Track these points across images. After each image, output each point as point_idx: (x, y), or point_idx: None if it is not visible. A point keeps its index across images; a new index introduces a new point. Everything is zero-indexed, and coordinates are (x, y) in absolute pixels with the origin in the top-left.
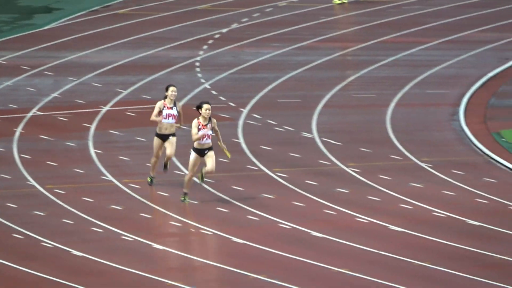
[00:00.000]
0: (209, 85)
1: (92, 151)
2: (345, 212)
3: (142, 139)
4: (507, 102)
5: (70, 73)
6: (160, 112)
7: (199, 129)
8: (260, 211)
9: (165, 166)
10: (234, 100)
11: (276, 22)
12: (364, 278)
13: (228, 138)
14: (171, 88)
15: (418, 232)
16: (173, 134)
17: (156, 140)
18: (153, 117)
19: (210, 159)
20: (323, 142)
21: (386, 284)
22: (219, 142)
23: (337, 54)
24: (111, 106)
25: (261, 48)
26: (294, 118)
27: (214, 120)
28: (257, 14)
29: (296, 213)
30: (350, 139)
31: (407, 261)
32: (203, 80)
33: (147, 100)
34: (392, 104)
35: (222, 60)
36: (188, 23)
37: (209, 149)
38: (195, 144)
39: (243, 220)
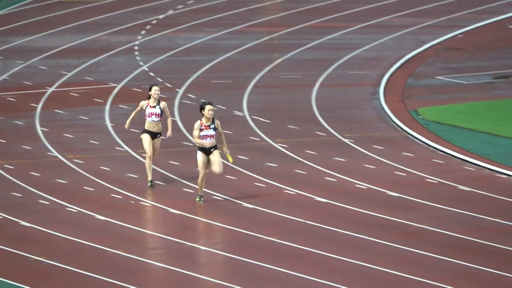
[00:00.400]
0: (147, 67)
1: (38, 129)
2: (274, 184)
3: (85, 118)
4: (423, 82)
5: (18, 56)
6: (144, 111)
7: (201, 130)
8: (195, 184)
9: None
10: (171, 81)
11: (209, 8)
12: (292, 246)
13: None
14: (154, 88)
15: (341, 203)
16: (159, 134)
17: (146, 137)
18: (132, 113)
19: (216, 161)
20: (253, 120)
21: (312, 251)
22: (223, 147)
23: (265, 38)
24: (56, 87)
25: (195, 33)
26: (226, 98)
27: (217, 121)
28: (191, 1)
29: (229, 186)
30: (278, 117)
31: (332, 229)
32: (141, 63)
33: (90, 81)
34: (317, 85)
35: (159, 44)
36: (127, 9)
37: (214, 147)
38: (198, 144)
39: (179, 192)
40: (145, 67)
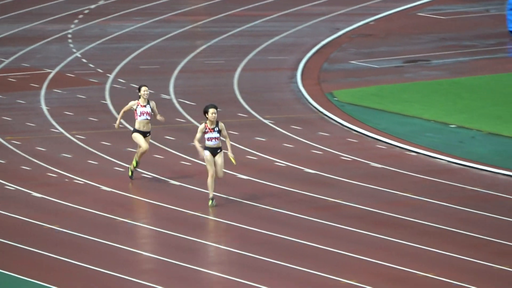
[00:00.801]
0: (80, 54)
1: None
2: (197, 162)
3: (22, 102)
4: (338, 66)
5: None
6: (135, 112)
7: (205, 132)
8: (125, 163)
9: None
10: (102, 67)
11: None
12: (217, 220)
13: (97, 100)
14: (143, 88)
15: (262, 180)
16: (149, 132)
17: (138, 135)
18: (121, 112)
19: (219, 164)
20: (179, 102)
21: (235, 225)
22: (228, 152)
23: (190, 26)
24: None
25: (125, 21)
26: (154, 82)
27: (222, 124)
28: None
29: (157, 164)
30: (202, 100)
31: (254, 204)
32: (74, 50)
33: (26, 67)
34: (239, 69)
35: (91, 32)
36: (61, 0)
37: (219, 149)
38: (206, 144)
39: (110, 171)
40: (78, 54)
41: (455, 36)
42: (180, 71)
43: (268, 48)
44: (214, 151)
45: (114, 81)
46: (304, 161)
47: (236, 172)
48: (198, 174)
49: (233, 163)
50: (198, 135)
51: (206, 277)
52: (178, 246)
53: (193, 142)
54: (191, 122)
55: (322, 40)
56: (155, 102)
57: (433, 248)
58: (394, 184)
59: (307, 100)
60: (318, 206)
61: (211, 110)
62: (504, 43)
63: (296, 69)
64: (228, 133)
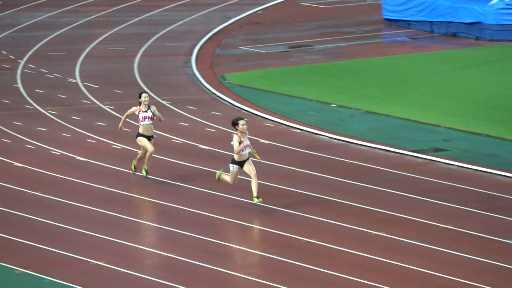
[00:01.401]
0: None
1: None
2: (103, 140)
3: None
4: (229, 51)
5: None
6: (137, 117)
7: (240, 142)
8: (35, 141)
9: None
10: (14, 53)
11: None
12: (121, 193)
13: (9, 84)
14: (144, 95)
15: (161, 156)
16: (152, 136)
17: (142, 139)
18: (124, 116)
19: (250, 167)
20: (84, 85)
21: (131, 195)
22: (250, 148)
23: (94, 16)
24: None
25: (35, 12)
26: (61, 67)
27: (247, 132)
28: None
29: (64, 142)
30: (106, 83)
31: (153, 178)
32: None
33: None
34: (138, 55)
35: (3, 22)
36: None
37: (248, 158)
38: (236, 157)
39: (22, 148)
40: None
41: (335, 23)
42: (85, 57)
43: (165, 35)
44: (242, 163)
45: (25, 66)
46: (198, 138)
47: (137, 148)
48: (101, 150)
49: (257, 158)
50: (236, 144)
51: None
52: (73, 213)
53: (235, 152)
54: (95, 103)
55: (214, 28)
56: (130, 105)
57: (316, 216)
58: (281, 159)
59: (201, 82)
60: (210, 179)
61: (241, 122)
62: (379, 30)
63: (190, 54)
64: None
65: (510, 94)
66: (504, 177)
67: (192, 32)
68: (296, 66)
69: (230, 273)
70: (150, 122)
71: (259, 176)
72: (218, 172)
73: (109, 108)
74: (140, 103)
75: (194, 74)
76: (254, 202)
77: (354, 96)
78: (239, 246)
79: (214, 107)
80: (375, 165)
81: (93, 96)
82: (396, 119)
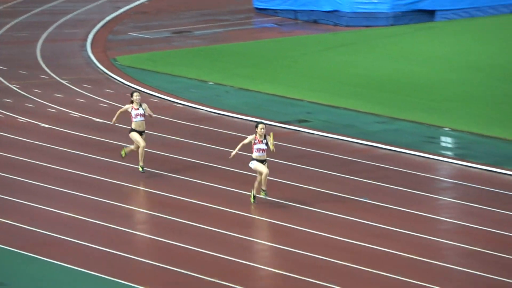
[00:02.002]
0: None
1: None
2: (9, 115)
3: None
4: (119, 37)
5: None
6: (130, 114)
7: (255, 143)
8: None
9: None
10: None
11: None
12: (29, 162)
13: None
14: (135, 94)
15: (61, 128)
16: (144, 132)
17: (135, 134)
18: (118, 112)
19: (264, 168)
20: None
21: (35, 163)
22: (269, 144)
23: (2, 7)
24: None
25: None
26: None
27: (268, 137)
28: None
29: None
30: (13, 65)
31: (55, 148)
32: None
33: None
34: (40, 41)
35: None
36: None
37: (265, 161)
38: (254, 156)
39: None
40: None
41: (212, 12)
42: None
43: (64, 23)
44: (262, 162)
45: None
46: (94, 113)
47: (40, 122)
48: (8, 124)
49: (272, 148)
50: (246, 141)
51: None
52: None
53: (242, 142)
54: (3, 83)
55: (107, 16)
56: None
57: (197, 180)
58: (166, 130)
59: (95, 64)
60: (106, 148)
61: (260, 126)
62: (250, 17)
63: (86, 40)
64: (38, 93)
65: (363, 73)
66: (360, 144)
67: (88, 20)
68: (178, 49)
69: (125, 230)
70: (142, 118)
71: (149, 145)
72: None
73: (15, 87)
74: (132, 102)
75: (89, 57)
76: (261, 196)
77: (229, 75)
78: (130, 206)
79: (107, 86)
80: (247, 135)
81: (1, 77)
82: (265, 95)
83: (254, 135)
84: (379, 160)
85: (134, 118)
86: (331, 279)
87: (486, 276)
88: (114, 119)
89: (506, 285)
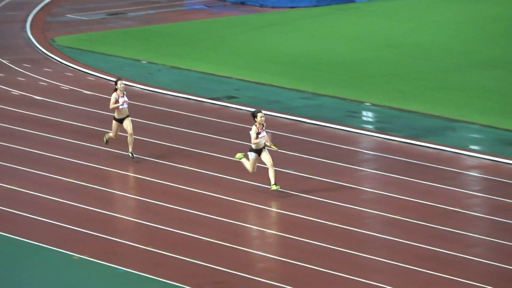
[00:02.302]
0: None
1: None
2: None
3: None
4: (57, 19)
5: None
6: (116, 101)
7: (258, 133)
8: None
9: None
10: None
11: None
12: None
13: None
14: (120, 82)
15: (3, 106)
16: (128, 116)
17: (116, 124)
18: (112, 105)
19: (267, 156)
20: None
21: None
22: (268, 142)
23: None
24: None
25: None
26: None
27: (265, 124)
28: None
29: None
30: None
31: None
32: None
33: None
34: None
35: None
36: None
37: (264, 148)
38: (254, 146)
39: None
40: None
41: None
42: None
43: (4, 6)
44: (260, 151)
45: None
46: (33, 91)
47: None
48: None
49: (274, 148)
50: (254, 135)
51: None
52: None
53: (252, 142)
54: None
55: None
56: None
57: (116, 150)
58: (100, 106)
59: (35, 45)
60: (44, 124)
61: (259, 114)
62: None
63: (26, 21)
64: None
65: (288, 52)
66: (285, 119)
67: (27, 3)
68: (113, 30)
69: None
70: (127, 105)
71: (85, 121)
72: (239, 155)
73: None
74: (115, 90)
75: (29, 38)
76: (272, 189)
77: (161, 54)
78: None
79: (45, 65)
80: (179, 111)
81: None
82: (196, 73)
83: (254, 125)
84: (303, 133)
85: (121, 105)
86: (260, 248)
87: (406, 242)
88: (114, 107)
89: (424, 250)
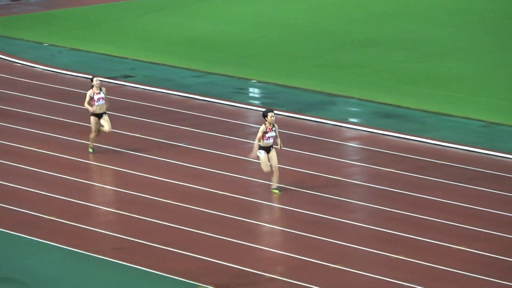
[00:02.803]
0: None
1: None
2: None
3: None
4: None
5: None
6: (92, 99)
7: (266, 132)
8: None
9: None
10: None
11: None
12: None
13: None
14: (95, 79)
15: None
16: (105, 113)
17: (93, 119)
18: (86, 105)
19: (273, 156)
20: None
21: None
22: (278, 140)
23: None
24: None
25: None
26: None
27: (276, 125)
28: None
29: None
30: None
31: None
32: None
33: None
34: None
35: None
36: None
37: (272, 147)
38: (262, 144)
39: None
40: None
41: None
42: None
43: None
44: (268, 149)
45: None
46: None
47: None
48: None
49: (280, 147)
50: (260, 134)
51: None
52: None
53: (256, 140)
54: None
55: None
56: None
57: (35, 130)
58: (6, 86)
59: None
60: None
61: (270, 114)
62: None
63: None
64: None
65: (180, 33)
66: (177, 96)
67: None
68: (17, 15)
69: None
70: (103, 101)
71: None
72: (275, 191)
73: None
74: (92, 86)
75: None
76: (273, 192)
77: (62, 37)
78: None
79: None
80: (79, 89)
81: None
82: (94, 54)
83: (264, 124)
84: (194, 109)
85: (96, 102)
86: (156, 215)
87: (291, 209)
88: (89, 108)
89: (308, 216)
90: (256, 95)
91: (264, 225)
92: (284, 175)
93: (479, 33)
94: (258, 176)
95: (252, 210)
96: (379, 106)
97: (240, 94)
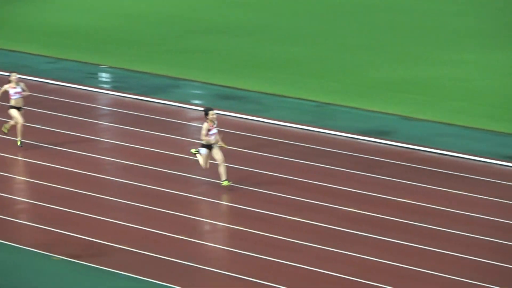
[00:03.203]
0: None
1: None
2: None
3: None
4: None
5: None
6: (6, 92)
7: (209, 130)
8: None
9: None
10: None
11: None
12: None
13: None
14: (13, 74)
15: None
16: (22, 107)
17: (14, 111)
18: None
19: (218, 152)
20: None
21: None
22: (217, 138)
23: None
24: None
25: None
26: None
27: (216, 122)
28: None
29: None
30: None
31: None
32: None
33: None
34: None
35: None
36: None
37: (215, 143)
38: (205, 142)
39: None
40: None
41: None
42: None
43: None
44: (211, 147)
45: None
46: None
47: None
48: None
49: (224, 146)
50: (205, 132)
51: None
52: None
53: (202, 138)
54: None
55: None
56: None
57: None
58: None
59: None
60: None
61: (211, 112)
62: None
63: None
64: None
65: (34, 21)
66: (33, 81)
67: None
68: None
69: None
70: (20, 96)
71: None
72: (193, 150)
73: None
74: (9, 81)
75: None
76: (224, 185)
77: None
78: None
79: None
80: None
81: None
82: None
83: (206, 123)
84: (49, 93)
85: (13, 96)
86: (11, 192)
87: (138, 185)
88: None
89: (154, 191)
90: (106, 79)
91: (114, 200)
92: (132, 153)
93: (317, 21)
94: (108, 155)
95: (103, 186)
96: (221, 89)
97: (91, 78)
